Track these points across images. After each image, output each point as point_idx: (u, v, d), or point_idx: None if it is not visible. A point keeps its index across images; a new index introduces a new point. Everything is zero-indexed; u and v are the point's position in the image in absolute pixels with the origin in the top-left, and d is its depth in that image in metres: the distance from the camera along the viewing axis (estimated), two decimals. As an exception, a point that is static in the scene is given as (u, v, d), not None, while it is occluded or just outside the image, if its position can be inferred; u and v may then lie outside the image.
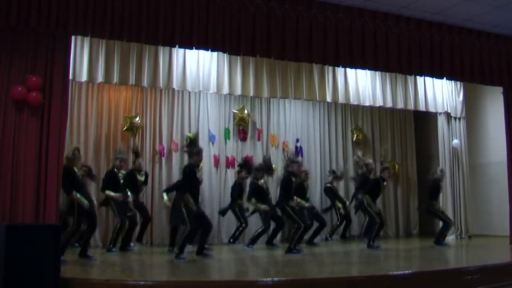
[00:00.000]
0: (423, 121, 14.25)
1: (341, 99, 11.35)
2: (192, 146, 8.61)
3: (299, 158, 12.14)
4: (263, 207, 10.10)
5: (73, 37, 8.12)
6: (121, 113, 11.20)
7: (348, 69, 11.14)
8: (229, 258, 8.34)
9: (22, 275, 5.75)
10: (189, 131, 11.60)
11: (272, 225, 10.45)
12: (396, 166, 13.56)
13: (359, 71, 11.25)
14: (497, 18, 9.95)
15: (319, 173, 12.85)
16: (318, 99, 11.25)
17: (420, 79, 12.05)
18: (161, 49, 9.74)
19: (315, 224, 10.78)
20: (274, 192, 10.99)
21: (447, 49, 10.22)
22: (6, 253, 5.69)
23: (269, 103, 12.65)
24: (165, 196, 10.32)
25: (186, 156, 11.27)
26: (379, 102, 11.72)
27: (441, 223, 10.88)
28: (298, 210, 9.65)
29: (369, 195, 10.24)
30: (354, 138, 13.60)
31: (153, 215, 10.89)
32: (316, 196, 12.55)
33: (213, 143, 11.79)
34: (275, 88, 10.73)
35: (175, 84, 10.02)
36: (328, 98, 11.24)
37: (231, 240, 10.94)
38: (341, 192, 12.73)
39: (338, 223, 12.24)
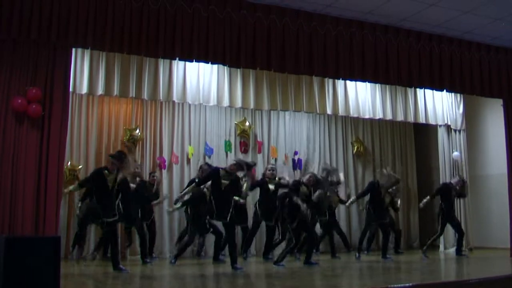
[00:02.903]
0: (423, 134, 14.25)
1: (341, 111, 11.36)
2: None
3: (297, 171, 12.20)
4: None
5: (73, 50, 8.14)
6: (121, 126, 11.20)
7: (348, 82, 11.15)
8: (230, 272, 8.30)
9: None
10: (190, 144, 11.62)
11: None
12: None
13: (359, 83, 11.26)
14: (497, 31, 9.99)
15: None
16: (318, 111, 11.25)
17: (420, 92, 12.06)
18: (161, 62, 9.76)
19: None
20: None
21: (447, 61, 10.25)
22: (5, 266, 5.65)
23: (269, 116, 12.66)
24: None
25: (187, 169, 11.43)
26: (379, 115, 11.73)
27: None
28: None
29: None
30: (355, 150, 13.61)
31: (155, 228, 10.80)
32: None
33: (209, 157, 11.75)
34: (276, 101, 10.73)
35: (175, 97, 10.02)
36: (328, 111, 11.24)
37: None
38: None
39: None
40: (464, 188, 11.23)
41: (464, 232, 11.41)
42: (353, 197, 11.25)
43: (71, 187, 8.74)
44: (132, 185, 9.54)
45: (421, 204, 11.08)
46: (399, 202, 12.16)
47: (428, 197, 11.01)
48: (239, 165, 8.66)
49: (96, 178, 8.25)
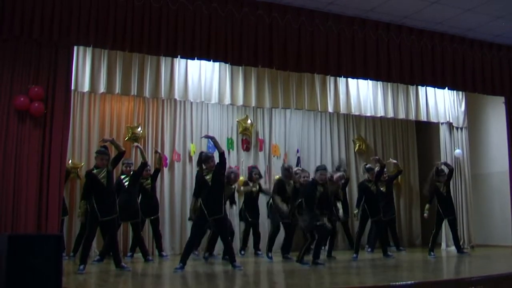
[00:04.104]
0: (425, 131, 14.24)
1: (342, 109, 11.31)
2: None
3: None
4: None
5: (75, 48, 8.15)
6: (123, 124, 11.21)
7: (349, 79, 11.12)
8: (233, 270, 8.31)
9: (24, 285, 5.74)
10: (192, 142, 11.63)
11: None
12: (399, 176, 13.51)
13: (360, 81, 11.24)
14: (499, 28, 9.98)
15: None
16: (320, 109, 11.21)
17: (421, 89, 12.01)
18: (163, 60, 9.73)
19: None
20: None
21: (449, 59, 10.25)
22: (8, 264, 5.68)
23: (271, 113, 12.66)
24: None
25: (189, 167, 11.43)
26: (380, 112, 11.69)
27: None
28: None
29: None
30: (357, 148, 13.61)
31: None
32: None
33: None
34: (277, 98, 10.68)
35: (177, 95, 10.00)
36: (330, 108, 11.19)
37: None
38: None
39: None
40: (446, 169, 11.03)
41: (458, 229, 11.25)
42: (355, 210, 11.06)
43: (80, 208, 8.58)
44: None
45: (425, 215, 10.96)
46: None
47: (427, 205, 10.91)
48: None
49: (88, 180, 8.17)
